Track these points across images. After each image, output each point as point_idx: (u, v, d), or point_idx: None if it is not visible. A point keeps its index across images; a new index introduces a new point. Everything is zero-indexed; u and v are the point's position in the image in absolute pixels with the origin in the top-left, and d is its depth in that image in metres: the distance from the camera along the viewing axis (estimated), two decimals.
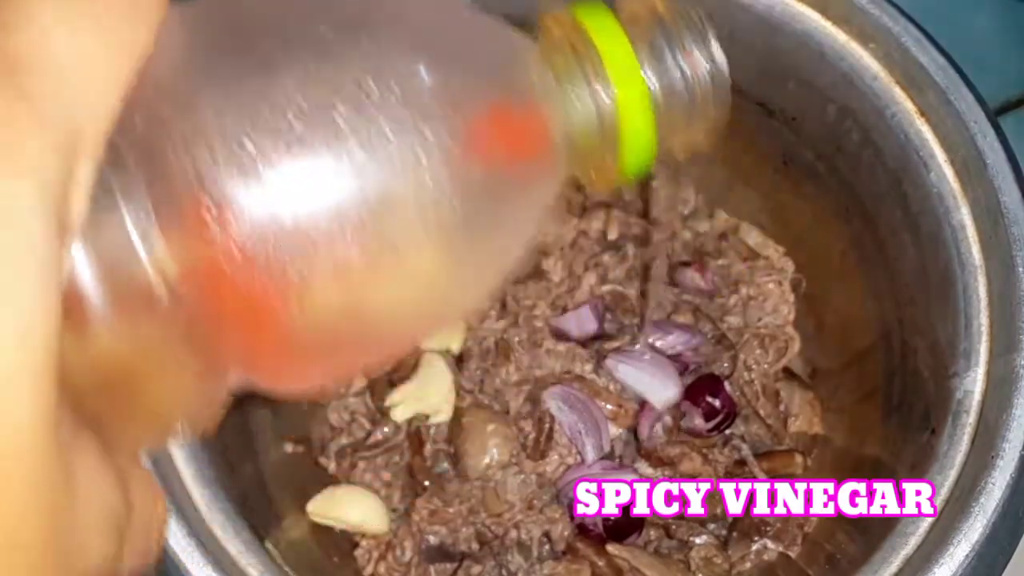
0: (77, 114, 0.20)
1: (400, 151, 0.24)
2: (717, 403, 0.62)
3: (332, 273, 0.24)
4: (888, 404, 0.58)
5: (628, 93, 0.27)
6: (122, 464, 0.22)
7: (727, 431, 0.64)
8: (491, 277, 0.29)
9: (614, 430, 0.63)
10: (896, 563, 0.47)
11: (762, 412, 0.65)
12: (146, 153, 0.22)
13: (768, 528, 0.61)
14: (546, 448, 0.61)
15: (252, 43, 0.24)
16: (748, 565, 0.61)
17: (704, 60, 0.28)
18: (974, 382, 0.49)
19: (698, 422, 0.62)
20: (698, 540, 0.62)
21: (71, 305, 0.20)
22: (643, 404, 0.62)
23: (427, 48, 0.25)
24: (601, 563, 0.59)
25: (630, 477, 0.60)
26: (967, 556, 0.45)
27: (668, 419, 0.62)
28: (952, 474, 0.48)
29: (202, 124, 0.23)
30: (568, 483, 0.61)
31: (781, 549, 0.61)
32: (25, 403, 0.18)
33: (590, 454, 0.61)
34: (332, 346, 0.26)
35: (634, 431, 0.63)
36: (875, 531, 0.49)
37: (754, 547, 0.61)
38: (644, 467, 0.63)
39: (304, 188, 0.23)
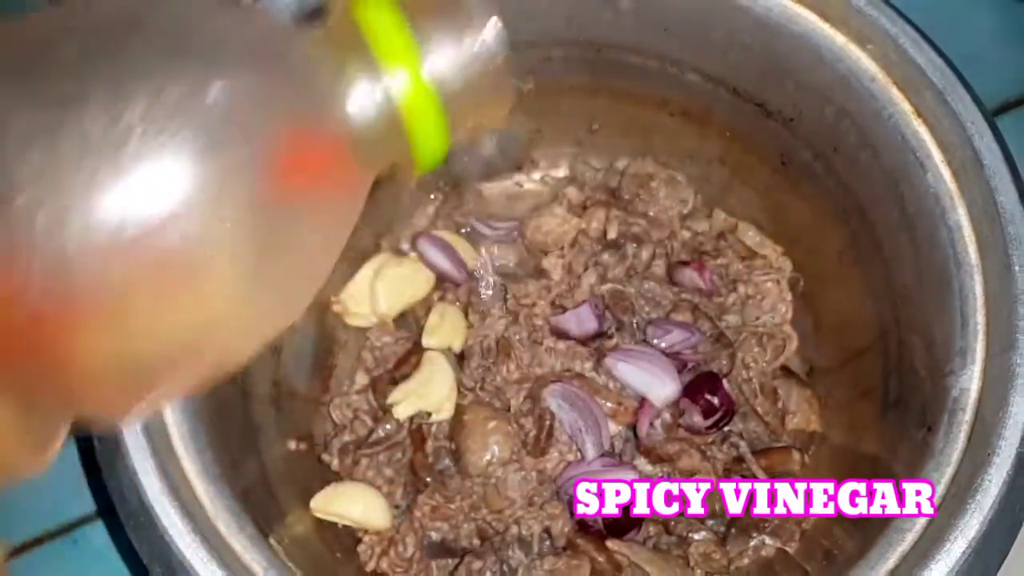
0: None
1: (182, 175, 0.23)
2: (716, 401, 0.63)
3: (127, 300, 0.23)
4: (885, 402, 0.59)
5: (408, 86, 0.26)
6: None
7: (725, 428, 0.64)
8: (301, 289, 0.28)
9: (614, 427, 0.63)
10: (893, 559, 0.47)
11: (760, 410, 0.66)
12: None
13: (766, 524, 0.61)
14: (546, 445, 0.62)
15: (20, 68, 0.23)
16: (746, 561, 0.62)
17: (485, 39, 0.27)
18: (970, 380, 0.50)
19: (697, 419, 0.63)
20: (697, 536, 0.62)
21: None
22: (642, 401, 0.63)
23: (211, 66, 0.24)
24: (601, 559, 0.59)
25: (630, 474, 0.61)
26: (964, 553, 0.45)
27: (667, 416, 0.63)
28: (948, 471, 0.48)
29: None
30: (568, 479, 0.61)
31: (779, 545, 0.61)
32: None
33: (590, 451, 0.61)
34: (148, 372, 0.25)
35: (633, 428, 0.63)
36: (872, 527, 0.49)
37: (752, 543, 0.61)
38: (643, 464, 0.63)
39: (89, 218, 0.22)
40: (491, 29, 0.27)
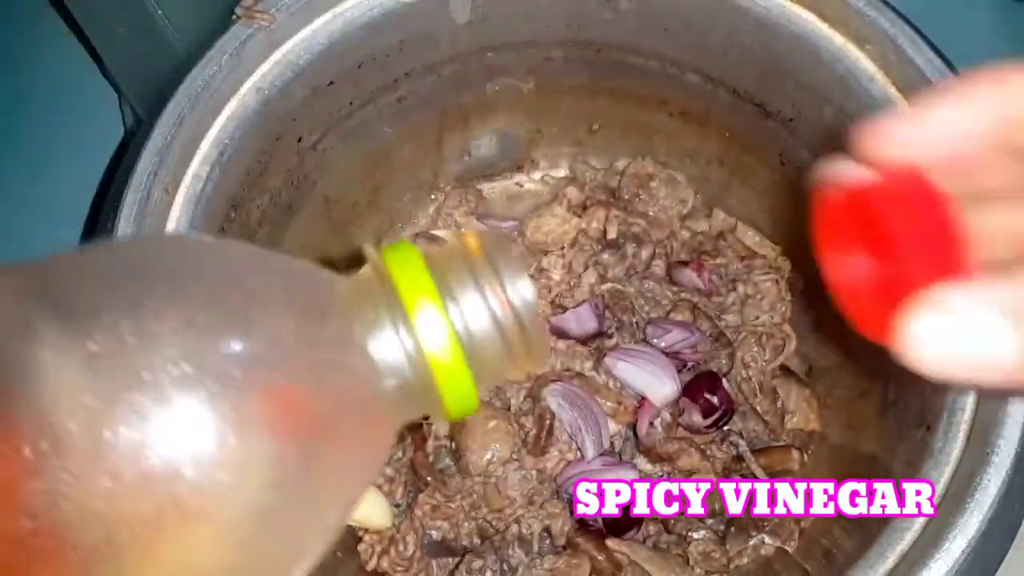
0: None
1: (203, 425, 0.23)
2: (715, 400, 0.63)
3: (142, 542, 0.23)
4: (884, 401, 0.59)
5: (438, 350, 0.26)
6: None
7: (725, 427, 0.64)
8: (318, 533, 0.27)
9: (613, 427, 0.63)
10: (892, 559, 0.47)
11: (759, 409, 0.66)
12: None
13: (765, 523, 0.61)
14: (546, 444, 0.62)
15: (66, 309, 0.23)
16: (746, 560, 0.62)
17: (517, 299, 0.27)
18: None
19: (696, 418, 0.63)
20: (696, 535, 0.62)
21: None
22: (642, 401, 0.63)
23: (245, 317, 0.24)
24: (601, 557, 0.59)
25: (630, 473, 0.61)
26: (963, 552, 0.45)
27: (667, 416, 0.63)
28: (947, 471, 0.48)
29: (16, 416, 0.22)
30: (568, 479, 0.61)
31: (778, 544, 0.61)
32: None
33: (590, 450, 0.61)
34: None
35: (633, 427, 0.63)
36: (871, 527, 0.49)
37: (751, 542, 0.62)
38: (643, 463, 0.63)
39: (113, 459, 0.22)
40: (523, 290, 0.27)
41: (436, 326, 0.26)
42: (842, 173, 0.29)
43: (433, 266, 0.27)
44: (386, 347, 0.26)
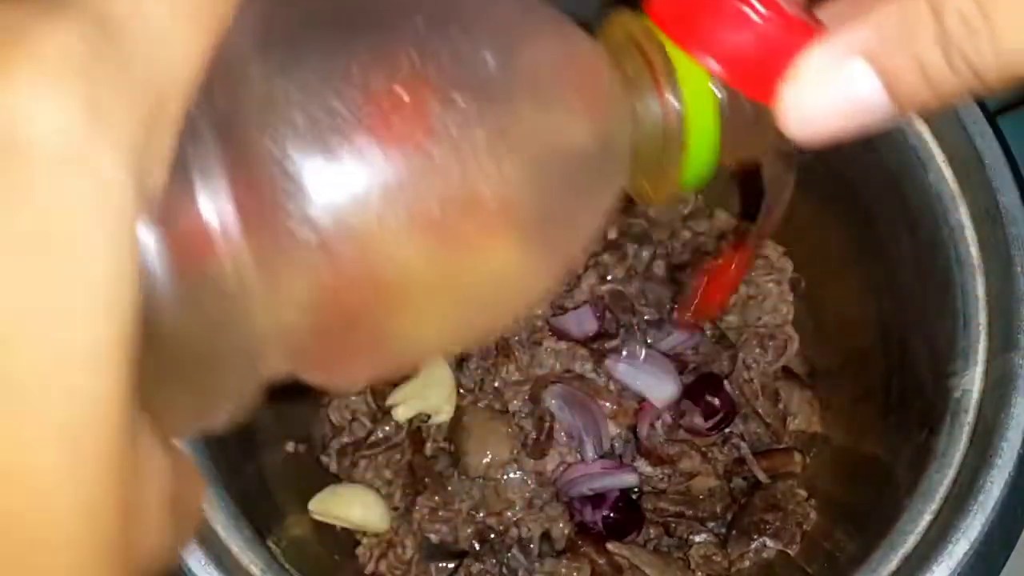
0: (163, 81, 0.19)
1: (472, 140, 0.23)
2: (716, 402, 0.63)
3: (402, 259, 0.23)
4: (886, 403, 0.59)
5: (697, 102, 0.27)
6: (169, 445, 0.22)
7: (726, 430, 0.64)
8: (555, 268, 0.28)
9: (614, 428, 0.63)
10: (895, 561, 0.47)
11: (761, 411, 0.65)
12: (224, 126, 0.21)
13: (767, 526, 0.61)
14: (546, 446, 0.62)
15: (333, 20, 0.23)
16: (747, 563, 0.61)
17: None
18: (972, 381, 0.50)
19: (698, 421, 0.63)
20: (697, 538, 0.62)
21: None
22: (642, 403, 0.63)
23: (504, 41, 0.25)
24: (601, 561, 0.59)
25: (630, 476, 0.61)
26: (966, 554, 0.45)
27: (668, 417, 0.63)
28: (950, 473, 0.48)
29: (282, 100, 0.22)
30: (568, 481, 0.61)
31: (780, 547, 0.61)
32: (109, 377, 0.18)
33: (590, 452, 0.61)
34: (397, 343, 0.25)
35: (634, 429, 0.63)
36: (874, 529, 0.49)
37: (753, 545, 0.61)
38: (643, 465, 0.63)
39: (382, 170, 0.22)
40: None
41: (696, 78, 0.27)
42: None
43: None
44: (641, 97, 0.27)
